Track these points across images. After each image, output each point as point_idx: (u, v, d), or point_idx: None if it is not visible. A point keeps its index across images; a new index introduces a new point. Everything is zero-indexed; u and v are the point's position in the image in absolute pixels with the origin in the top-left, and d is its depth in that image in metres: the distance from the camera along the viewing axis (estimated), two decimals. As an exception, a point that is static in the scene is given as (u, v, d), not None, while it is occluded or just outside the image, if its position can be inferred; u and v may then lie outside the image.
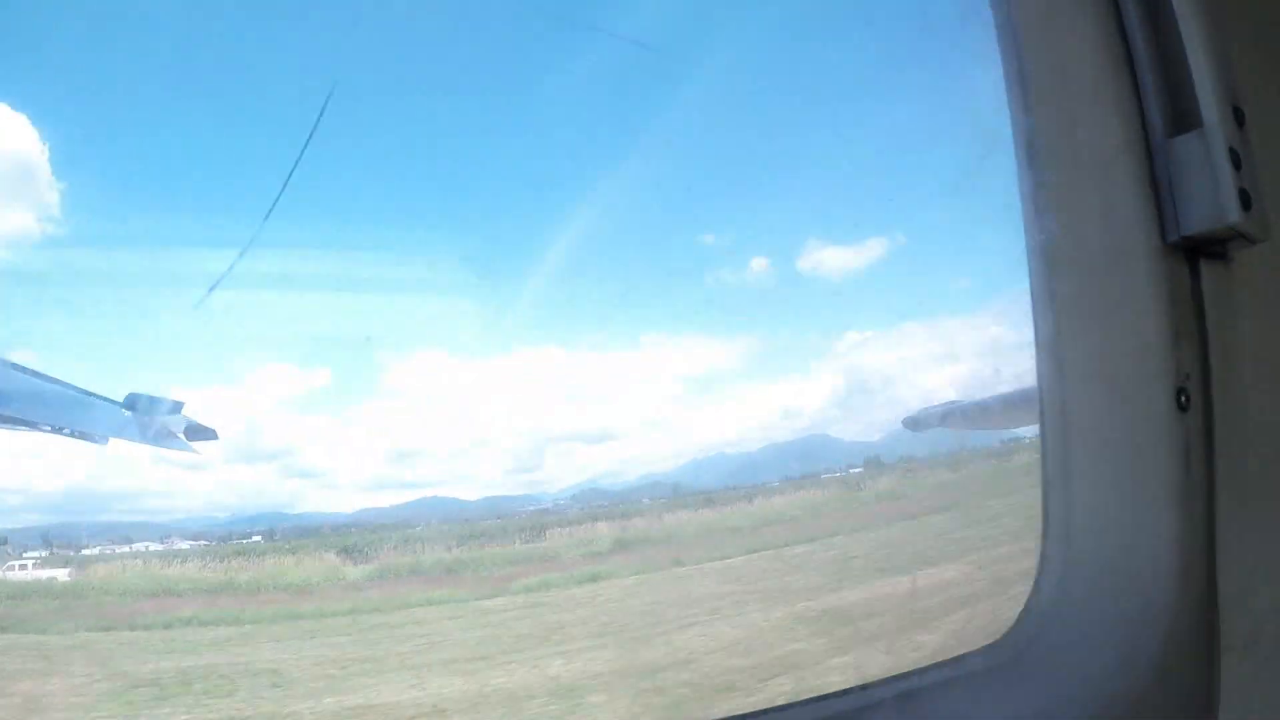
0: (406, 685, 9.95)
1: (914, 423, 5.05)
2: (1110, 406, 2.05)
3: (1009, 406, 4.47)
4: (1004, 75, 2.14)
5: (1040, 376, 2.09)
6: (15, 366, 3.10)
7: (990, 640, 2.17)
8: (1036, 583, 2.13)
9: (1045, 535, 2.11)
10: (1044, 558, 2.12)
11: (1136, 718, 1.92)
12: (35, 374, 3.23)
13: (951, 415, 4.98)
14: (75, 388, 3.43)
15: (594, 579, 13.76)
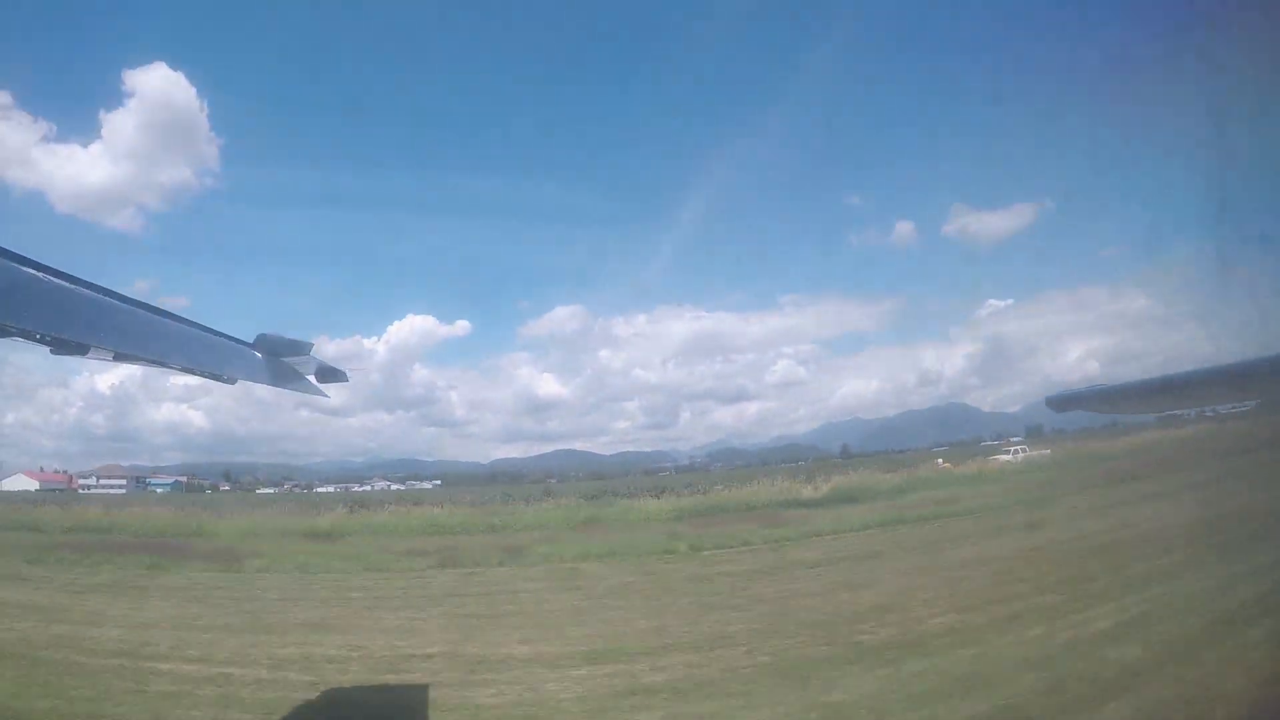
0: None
1: (1059, 403, 4.61)
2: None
3: (1160, 391, 3.91)
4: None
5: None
6: (151, 308, 3.23)
7: None
8: None
9: None
10: None
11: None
12: (170, 315, 3.36)
13: (1097, 397, 4.44)
14: (207, 329, 3.57)
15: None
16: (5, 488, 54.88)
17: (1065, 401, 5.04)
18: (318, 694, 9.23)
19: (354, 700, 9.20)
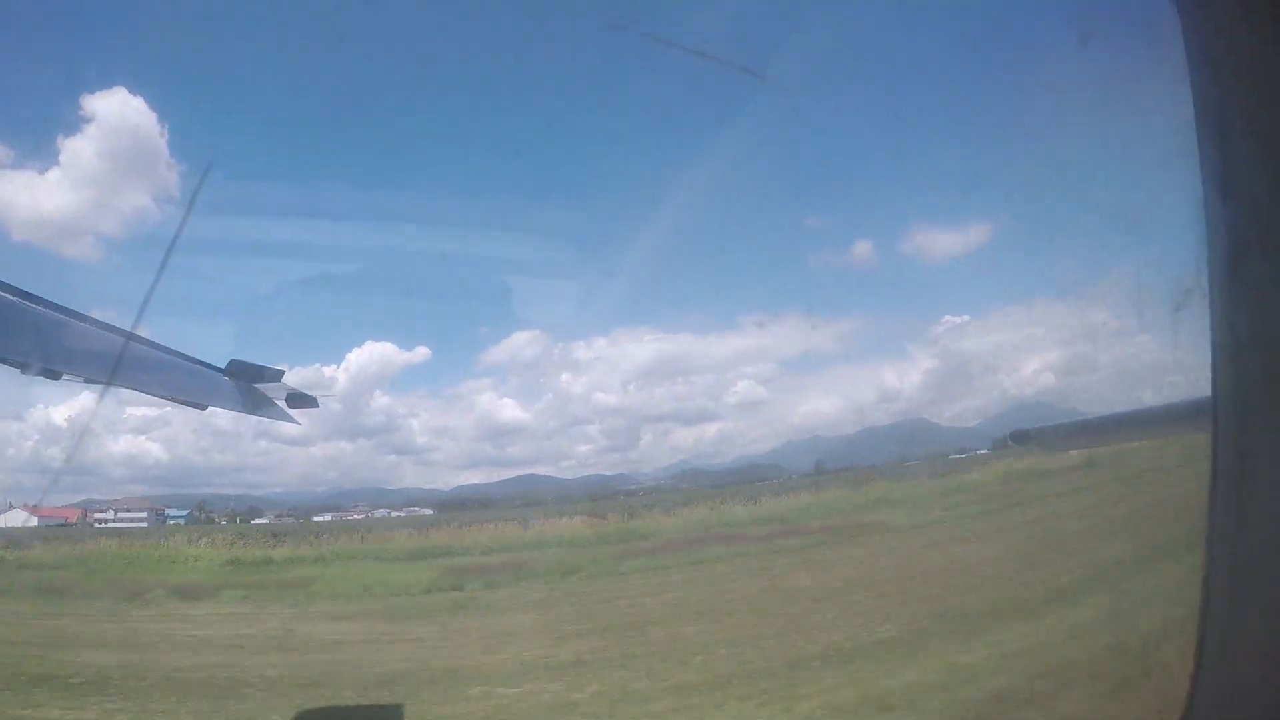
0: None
1: (1023, 438, 4.78)
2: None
3: (1131, 424, 4.14)
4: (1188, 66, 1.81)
5: (1218, 388, 1.75)
6: (125, 333, 3.21)
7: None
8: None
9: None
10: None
11: None
12: (144, 340, 3.34)
13: (1065, 434, 4.63)
14: (178, 354, 3.54)
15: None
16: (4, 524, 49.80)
17: (1026, 437, 5.30)
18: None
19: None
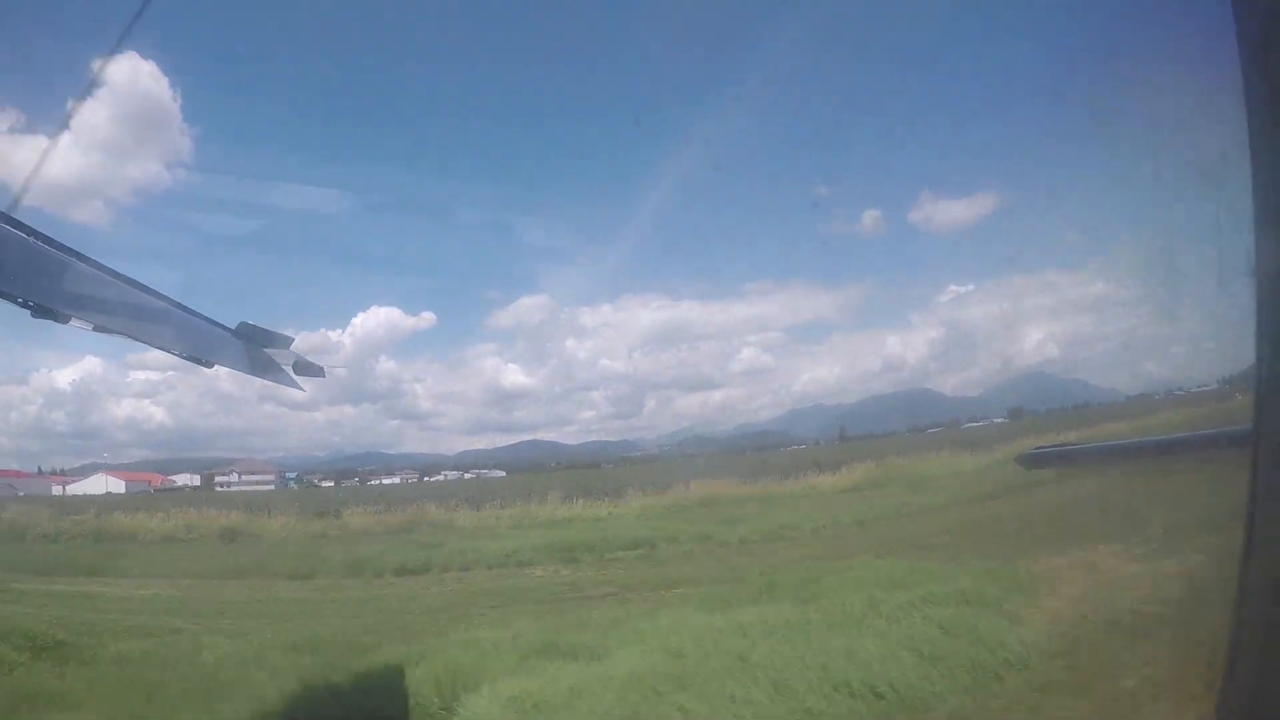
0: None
1: (1030, 460, 4.71)
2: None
3: (1140, 452, 4.07)
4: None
5: (1260, 419, 1.67)
6: (135, 283, 3.18)
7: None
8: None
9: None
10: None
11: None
12: (154, 292, 3.32)
13: (1073, 458, 4.56)
14: (188, 309, 3.52)
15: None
16: (87, 490, 43.75)
17: (1034, 460, 5.22)
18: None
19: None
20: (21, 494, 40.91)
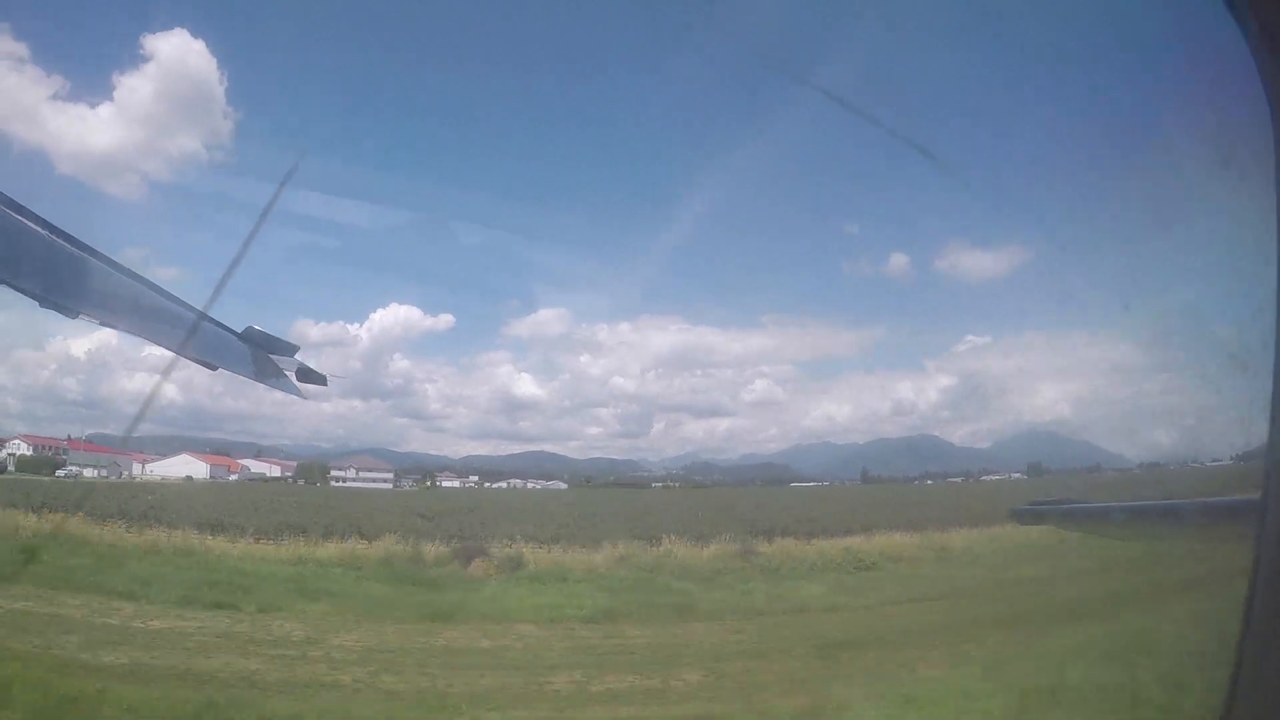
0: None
1: (1021, 516, 4.68)
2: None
3: (1132, 516, 4.04)
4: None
5: (1269, 489, 1.64)
6: (146, 282, 3.18)
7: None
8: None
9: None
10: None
11: None
12: (163, 292, 3.31)
13: (1064, 516, 4.52)
14: (196, 310, 3.51)
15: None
16: (168, 471, 40.62)
17: (1028, 515, 5.20)
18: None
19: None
20: (124, 473, 38.25)
